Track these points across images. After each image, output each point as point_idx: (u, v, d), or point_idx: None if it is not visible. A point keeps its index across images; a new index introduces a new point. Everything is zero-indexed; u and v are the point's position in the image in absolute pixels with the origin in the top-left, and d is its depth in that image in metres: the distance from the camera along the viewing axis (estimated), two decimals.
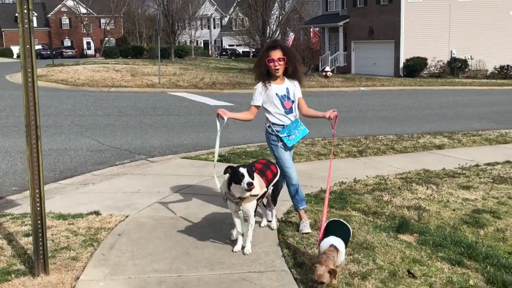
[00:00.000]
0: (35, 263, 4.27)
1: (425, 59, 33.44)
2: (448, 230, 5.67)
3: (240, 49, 65.90)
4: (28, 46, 3.79)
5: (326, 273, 3.84)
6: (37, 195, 4.04)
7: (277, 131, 5.10)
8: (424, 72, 33.96)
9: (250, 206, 4.64)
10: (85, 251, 4.83)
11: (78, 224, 5.60)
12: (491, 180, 7.58)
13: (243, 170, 4.38)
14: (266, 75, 5.04)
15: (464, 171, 8.16)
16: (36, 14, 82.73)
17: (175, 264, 4.56)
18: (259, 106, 5.11)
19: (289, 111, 5.07)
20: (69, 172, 8.62)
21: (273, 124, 5.10)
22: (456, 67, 33.87)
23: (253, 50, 46.69)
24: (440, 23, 33.92)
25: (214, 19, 78.26)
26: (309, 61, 29.98)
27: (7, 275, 4.29)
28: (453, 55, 34.39)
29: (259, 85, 5.06)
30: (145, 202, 6.48)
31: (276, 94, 5.03)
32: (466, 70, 34.19)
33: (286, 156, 5.19)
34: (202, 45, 74.74)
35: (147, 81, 25.14)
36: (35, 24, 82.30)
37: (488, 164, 8.69)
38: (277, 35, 35.15)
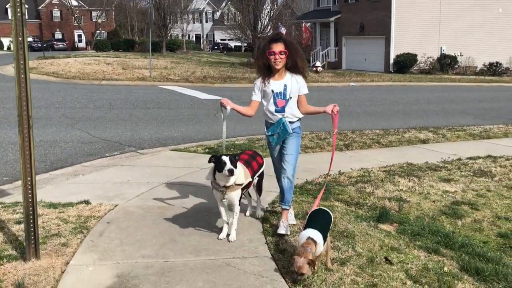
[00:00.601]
0: (26, 248, 4.43)
1: (415, 55, 33.70)
2: (427, 220, 5.88)
3: (232, 44, 66.02)
4: (20, 39, 3.93)
5: (305, 265, 3.94)
6: (29, 183, 4.19)
7: (265, 128, 5.14)
8: (414, 68, 34.23)
9: (234, 195, 4.82)
10: (75, 238, 4.99)
11: (68, 212, 5.76)
12: (471, 174, 7.81)
13: (225, 158, 4.56)
14: (267, 68, 4.95)
15: (446, 165, 8.38)
16: (27, 6, 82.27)
17: (162, 250, 4.73)
18: (258, 101, 5.06)
19: (280, 109, 4.98)
20: (59, 163, 8.76)
21: (266, 120, 5.12)
22: (445, 64, 34.17)
23: (245, 44, 46.77)
24: (430, 20, 34.18)
25: (206, 13, 78.19)
26: None
27: (0, 260, 4.45)
28: (443, 52, 34.67)
29: (258, 81, 5.02)
30: (134, 192, 6.64)
31: (272, 91, 4.95)
32: (455, 66, 34.50)
33: (273, 153, 5.27)
34: (194, 39, 74.69)
35: (138, 75, 25.22)
36: (25, 16, 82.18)
37: (470, 158, 8.92)
38: (268, 30, 35.23)
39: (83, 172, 8.10)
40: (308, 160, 8.65)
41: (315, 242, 4.07)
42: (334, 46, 41.24)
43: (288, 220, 5.26)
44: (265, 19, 34.88)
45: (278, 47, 4.86)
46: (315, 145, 9.92)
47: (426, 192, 6.84)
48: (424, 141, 10.50)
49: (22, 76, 4.05)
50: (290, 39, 5.18)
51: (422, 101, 18.81)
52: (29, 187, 4.21)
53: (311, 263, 3.99)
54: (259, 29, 33.88)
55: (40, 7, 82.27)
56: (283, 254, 4.63)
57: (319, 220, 4.37)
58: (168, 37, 53.80)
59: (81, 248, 4.77)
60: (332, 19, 40.46)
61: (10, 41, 71.26)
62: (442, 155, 9.17)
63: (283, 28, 39.01)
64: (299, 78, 5.01)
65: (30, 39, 75.55)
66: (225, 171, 4.53)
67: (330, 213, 4.59)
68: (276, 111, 4.98)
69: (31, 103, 4.19)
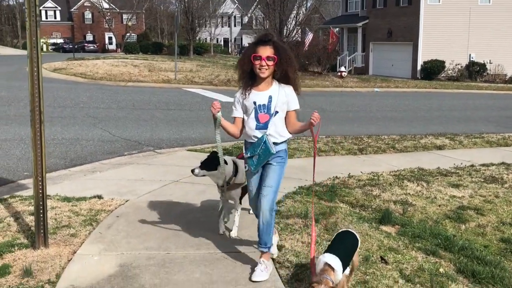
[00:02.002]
0: (36, 237, 4.70)
1: (443, 62, 33.42)
2: (430, 223, 5.97)
3: None
4: (34, 39, 4.20)
5: None
6: (39, 175, 4.45)
7: (244, 149, 4.27)
8: (442, 75, 33.94)
9: (234, 194, 5.01)
10: (84, 230, 5.25)
11: (80, 206, 6.03)
12: (482, 180, 7.84)
13: (214, 157, 4.68)
14: (250, 76, 4.11)
15: (457, 171, 8.42)
16: (59, 8, 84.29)
17: (165, 243, 4.95)
18: (241, 117, 4.19)
19: (262, 126, 4.09)
20: (79, 160, 9.08)
21: (246, 142, 4.23)
22: (474, 71, 33.79)
23: None
24: (459, 26, 33.86)
25: (234, 17, 78.73)
26: (324, 61, 30.24)
27: (11, 247, 4.73)
28: (471, 59, 34.30)
29: (239, 93, 4.18)
30: (146, 189, 6.89)
31: (254, 103, 4.08)
32: (484, 74, 34.08)
33: (251, 183, 4.27)
34: (222, 42, 75.26)
35: (164, 77, 25.64)
36: (58, 18, 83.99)
37: (483, 165, 8.92)
38: (294, 34, 35.39)
39: (101, 169, 8.40)
40: (320, 163, 8.77)
41: (332, 269, 3.66)
42: (361, 52, 41.15)
43: (269, 258, 4.40)
44: (291, 23, 35.01)
45: (266, 51, 4.00)
46: (329, 148, 10.04)
47: (433, 197, 6.92)
48: (439, 147, 10.52)
49: (35, 74, 4.31)
50: (282, 44, 4.27)
51: (445, 107, 18.72)
52: (40, 179, 4.47)
53: None
54: (285, 34, 34.03)
55: (72, 9, 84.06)
56: (281, 250, 4.80)
57: (342, 243, 3.92)
58: (196, 41, 54.35)
59: (89, 239, 5.02)
60: (360, 24, 40.40)
61: (42, 42, 73.03)
62: (456, 161, 9.20)
63: (310, 33, 39.23)
64: (288, 90, 4.12)
65: (61, 40, 77.25)
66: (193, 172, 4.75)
67: (357, 235, 4.13)
68: (257, 128, 4.10)
69: (43, 99, 4.46)
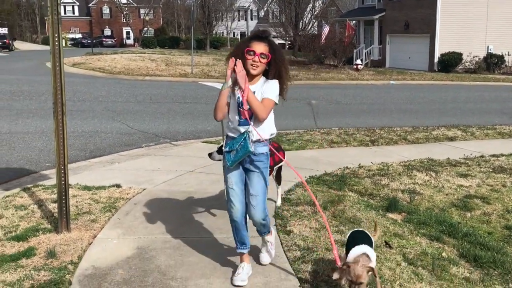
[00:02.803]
0: (59, 222, 5.01)
1: (461, 54, 33.23)
2: (436, 211, 6.17)
3: (276, 41, 66.44)
4: (56, 35, 4.49)
5: (364, 272, 3.49)
6: (62, 163, 4.76)
7: (224, 144, 4.12)
8: (459, 68, 33.77)
9: None
10: (103, 216, 5.55)
11: (100, 194, 6.34)
12: (490, 170, 7.99)
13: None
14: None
15: (467, 161, 8.58)
16: (78, 4, 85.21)
17: (181, 228, 5.23)
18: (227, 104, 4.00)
19: (243, 122, 3.93)
20: (98, 152, 9.41)
21: (227, 135, 4.10)
22: (492, 63, 33.55)
23: (289, 42, 47.19)
24: (477, 18, 33.62)
25: (251, 11, 78.86)
26: (340, 54, 30.30)
27: (36, 232, 5.05)
28: (489, 51, 34.05)
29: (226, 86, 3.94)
30: (162, 178, 7.18)
31: (238, 98, 3.93)
32: (502, 66, 33.82)
33: (230, 179, 4.05)
34: (239, 36, 75.43)
35: (180, 71, 25.98)
36: (77, 13, 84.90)
37: (493, 155, 9.05)
38: (310, 27, 35.47)
39: (119, 160, 8.71)
40: (332, 154, 9.01)
41: (369, 257, 3.60)
42: (378, 44, 41.02)
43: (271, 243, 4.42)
44: (307, 16, 35.09)
45: (260, 47, 3.86)
46: (342, 140, 10.24)
47: (441, 186, 7.10)
48: (451, 139, 10.66)
49: (58, 68, 4.60)
50: (276, 43, 4.09)
51: (460, 100, 18.75)
52: (62, 167, 4.77)
53: (371, 270, 3.53)
54: (300, 27, 34.13)
55: (90, 4, 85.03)
56: (289, 234, 5.05)
57: (363, 241, 3.84)
58: (213, 35, 54.66)
59: (108, 224, 5.32)
60: (376, 16, 40.26)
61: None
62: (466, 152, 9.34)
63: (326, 26, 39.27)
64: (271, 82, 3.93)
65: (79, 35, 78.06)
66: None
67: (371, 236, 4.05)
68: (240, 124, 3.95)
69: (65, 92, 4.75)
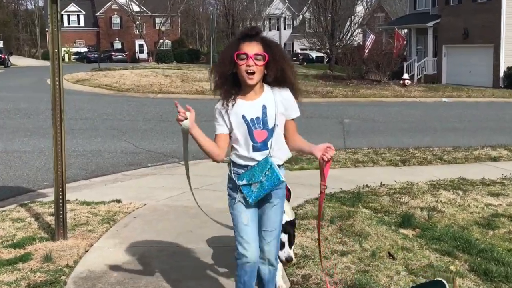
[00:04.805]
0: (55, 230, 5.97)
1: None
2: (455, 228, 6.90)
3: (314, 54, 67.64)
4: (56, 50, 5.51)
5: None
6: (60, 167, 5.73)
7: (235, 175, 3.89)
8: None
9: None
10: (101, 227, 6.50)
11: (99, 208, 7.32)
12: None
13: None
14: (232, 81, 3.82)
15: (503, 181, 9.28)
16: (83, 13, 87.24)
17: (178, 238, 6.13)
18: (227, 134, 3.86)
19: (261, 146, 3.81)
20: (100, 171, 10.44)
21: (234, 163, 3.89)
22: None
23: (326, 55, 48.33)
24: None
25: (284, 19, 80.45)
26: (384, 67, 31.12)
27: (32, 240, 6.02)
28: None
29: (219, 104, 3.86)
30: (165, 195, 8.13)
31: (243, 117, 3.79)
32: None
33: (245, 216, 3.91)
34: None
35: (198, 87, 27.23)
36: (82, 24, 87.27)
37: None
38: (348, 37, 36.48)
39: (122, 180, 9.71)
40: (354, 173, 9.85)
41: None
42: (432, 56, 41.41)
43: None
44: (346, 24, 36.15)
45: (253, 47, 3.73)
46: (368, 159, 11.05)
47: (466, 204, 7.83)
48: (494, 159, 11.34)
49: (57, 79, 5.62)
50: (270, 38, 4.02)
51: None
52: (60, 172, 5.74)
53: None
54: (337, 37, 35.18)
55: (98, 13, 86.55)
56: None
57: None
58: None
59: (105, 235, 6.26)
60: (431, 24, 40.54)
61: (64, 50, 76.36)
62: (506, 172, 10.00)
63: (371, 35, 40.20)
64: (285, 94, 3.86)
65: (85, 49, 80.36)
66: None
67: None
68: (255, 149, 3.82)
69: (64, 98, 5.76)
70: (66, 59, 74.75)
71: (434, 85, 34.76)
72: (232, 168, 3.90)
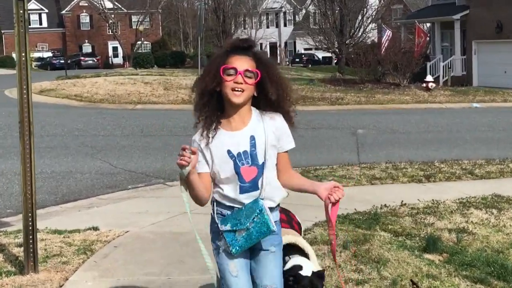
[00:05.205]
0: (25, 262, 6.13)
1: None
2: (488, 252, 7.08)
3: (320, 54, 68.04)
4: (23, 50, 5.71)
5: None
6: (29, 191, 5.91)
7: (219, 216, 3.82)
8: None
9: None
10: (77, 258, 6.67)
11: (73, 237, 7.49)
12: None
13: None
14: (216, 103, 3.74)
15: None
16: (46, 11, 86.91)
17: (167, 269, 6.30)
18: (208, 172, 3.78)
19: (250, 185, 3.74)
20: (72, 195, 10.63)
21: (218, 203, 3.83)
22: None
23: (335, 55, 48.60)
24: None
25: (284, 14, 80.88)
26: (403, 68, 31.37)
27: None
28: None
29: (197, 135, 3.78)
30: (151, 220, 8.31)
31: (229, 152, 3.72)
32: None
33: (233, 265, 3.81)
34: (267, 48, 77.20)
35: (184, 96, 27.47)
36: (45, 24, 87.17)
37: None
38: (360, 34, 36.79)
39: (98, 204, 9.89)
40: (370, 192, 10.05)
41: None
42: (460, 55, 41.53)
43: None
44: (357, 19, 36.46)
45: (243, 62, 3.67)
46: (387, 175, 11.24)
47: (502, 225, 8.01)
48: None
49: (24, 84, 5.81)
50: (264, 53, 4.13)
51: None
52: (29, 195, 5.92)
53: None
54: (347, 34, 35.48)
55: (64, 12, 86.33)
56: None
57: None
58: None
59: (82, 267, 6.43)
60: (458, 16, 40.44)
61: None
62: None
63: (388, 31, 40.51)
64: (277, 120, 3.79)
65: (49, 53, 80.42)
66: None
67: None
68: (242, 190, 3.74)
69: (32, 109, 5.95)
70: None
71: (463, 88, 34.95)
72: (215, 207, 3.84)
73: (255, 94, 3.71)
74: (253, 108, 3.77)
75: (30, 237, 6.04)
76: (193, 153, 3.51)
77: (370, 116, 22.66)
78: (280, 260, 3.89)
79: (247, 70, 3.63)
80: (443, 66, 40.28)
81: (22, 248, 6.78)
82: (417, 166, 12.18)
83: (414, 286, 5.95)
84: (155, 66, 59.50)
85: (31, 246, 6.07)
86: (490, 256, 6.85)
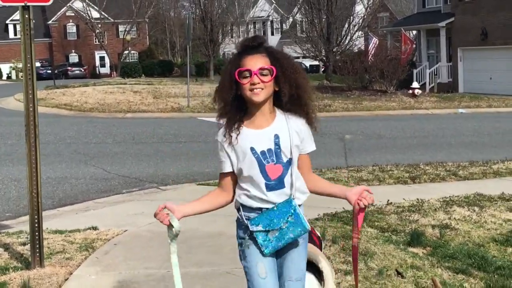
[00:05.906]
0: (31, 257, 6.52)
1: None
2: (469, 245, 7.51)
3: (307, 63, 68.50)
4: (29, 56, 6.11)
5: None
6: (34, 190, 6.29)
7: (246, 219, 3.81)
8: None
9: None
10: (79, 255, 7.06)
11: (74, 236, 7.88)
12: None
13: None
14: (238, 106, 3.76)
15: None
16: (33, 21, 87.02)
17: (166, 263, 6.65)
18: (232, 172, 3.82)
19: (276, 183, 3.75)
20: (69, 199, 11.01)
21: (244, 206, 3.83)
22: None
23: (322, 63, 49.08)
24: None
25: (271, 23, 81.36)
26: (390, 75, 31.91)
27: (6, 270, 6.55)
28: None
29: (220, 135, 3.80)
30: (147, 221, 8.66)
31: (252, 149, 3.74)
32: None
33: (262, 266, 3.81)
34: None
35: (173, 104, 27.92)
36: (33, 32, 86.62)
37: None
38: (347, 41, 37.31)
39: (95, 208, 10.28)
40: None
41: None
42: (446, 61, 41.94)
43: None
44: (344, 27, 36.98)
45: (256, 61, 3.69)
46: (373, 177, 11.67)
47: (483, 221, 8.45)
48: None
49: (30, 91, 6.20)
50: (277, 49, 4.00)
51: None
52: (35, 194, 6.31)
53: None
54: (334, 42, 35.99)
55: (50, 22, 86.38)
56: None
57: None
58: (219, 56, 57.03)
59: (85, 262, 6.82)
60: (443, 24, 40.75)
61: (11, 67, 76.59)
62: None
63: (374, 39, 41.02)
64: (300, 122, 3.83)
65: (37, 64, 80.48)
66: None
67: None
68: (268, 188, 3.75)
69: (37, 112, 6.34)
70: (13, 76, 75.04)
71: (449, 94, 35.46)
72: (242, 212, 3.82)
73: (276, 89, 3.73)
74: (276, 109, 3.78)
75: (36, 232, 6.42)
76: (164, 208, 3.85)
77: (357, 122, 23.19)
78: (305, 252, 3.91)
79: (261, 68, 3.64)
80: (429, 73, 40.67)
81: (26, 247, 7.20)
82: (402, 168, 12.63)
83: (399, 275, 6.36)
84: (143, 75, 59.90)
85: (37, 241, 6.44)
86: (471, 249, 7.28)
